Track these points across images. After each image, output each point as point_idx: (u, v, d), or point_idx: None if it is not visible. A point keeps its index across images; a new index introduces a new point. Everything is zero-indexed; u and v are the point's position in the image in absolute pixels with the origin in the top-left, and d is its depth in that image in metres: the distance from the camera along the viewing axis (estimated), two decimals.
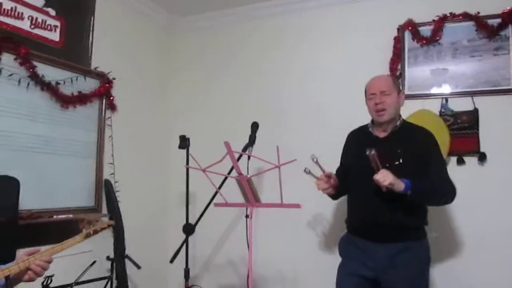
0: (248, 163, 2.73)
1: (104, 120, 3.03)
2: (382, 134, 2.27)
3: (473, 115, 2.79)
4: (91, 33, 2.97)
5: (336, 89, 3.16)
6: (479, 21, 2.82)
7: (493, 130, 2.75)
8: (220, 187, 2.65)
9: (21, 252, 1.68)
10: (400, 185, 1.99)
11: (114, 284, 2.83)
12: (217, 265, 3.52)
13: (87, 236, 1.82)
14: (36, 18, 2.58)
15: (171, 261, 2.82)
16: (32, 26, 2.55)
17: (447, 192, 2.17)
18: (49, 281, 2.20)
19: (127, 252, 2.91)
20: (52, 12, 2.68)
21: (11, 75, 2.41)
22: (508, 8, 2.75)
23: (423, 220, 2.23)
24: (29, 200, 2.44)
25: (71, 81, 2.77)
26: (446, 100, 2.89)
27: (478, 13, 2.83)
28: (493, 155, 2.75)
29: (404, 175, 2.03)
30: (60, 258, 1.78)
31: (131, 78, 3.34)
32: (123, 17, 3.31)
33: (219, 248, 3.53)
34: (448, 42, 2.92)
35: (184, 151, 2.97)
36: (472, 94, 2.82)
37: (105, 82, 3.01)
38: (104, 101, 3.03)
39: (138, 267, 2.87)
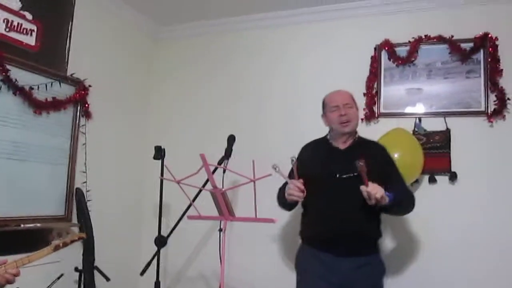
0: (223, 176, 2.72)
1: (78, 127, 2.96)
2: (342, 146, 2.33)
3: (446, 135, 2.86)
4: (68, 38, 2.93)
5: (314, 104, 3.17)
6: (453, 44, 2.91)
7: (465, 150, 2.82)
8: (194, 200, 2.63)
9: None
10: (386, 198, 2.06)
11: None
12: (188, 278, 3.47)
13: (56, 248, 1.76)
14: (12, 21, 2.52)
15: (142, 274, 2.76)
16: (7, 29, 2.50)
17: (413, 202, 2.29)
18: None
19: (96, 263, 2.84)
20: (29, 16, 2.63)
21: None
22: (481, 33, 2.85)
23: (380, 231, 2.31)
24: None
25: (46, 86, 2.71)
26: (420, 120, 2.95)
27: (452, 36, 2.92)
28: (464, 175, 2.81)
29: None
30: (26, 268, 1.71)
31: (109, 85, 3.29)
32: (103, 23, 3.27)
33: (191, 261, 3.49)
34: (423, 63, 3.00)
35: (160, 162, 2.94)
36: (445, 114, 2.89)
37: (81, 89, 2.96)
38: (79, 108, 2.97)
39: (108, 279, 2.80)
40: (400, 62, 3.03)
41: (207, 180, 2.28)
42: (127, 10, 3.46)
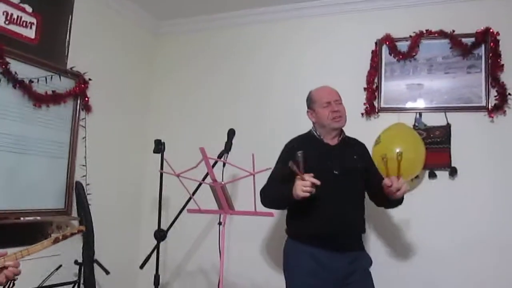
0: (223, 170, 2.72)
1: (77, 121, 2.96)
2: (332, 142, 2.34)
3: (446, 130, 2.85)
4: (68, 31, 2.92)
5: None
6: (454, 39, 2.90)
7: (465, 145, 2.82)
8: (194, 193, 2.63)
9: None
10: None
11: None
12: (188, 272, 3.48)
13: (56, 241, 1.77)
14: (12, 14, 2.52)
15: (141, 267, 2.77)
16: (7, 22, 2.49)
17: None
18: (11, 284, 2.12)
19: (96, 256, 2.84)
20: (29, 8, 2.62)
21: None
22: (482, 28, 2.83)
23: (365, 227, 2.39)
24: None
25: (46, 79, 2.71)
26: (420, 115, 2.94)
27: (453, 31, 2.91)
28: (464, 170, 2.81)
29: (361, 179, 2.30)
30: (26, 261, 1.72)
31: (109, 79, 3.29)
32: (103, 17, 3.26)
33: (191, 255, 3.49)
34: (423, 58, 2.99)
35: (160, 155, 2.93)
36: (446, 109, 2.89)
37: (81, 82, 2.95)
38: (78, 102, 2.97)
39: (107, 272, 2.80)
40: (401, 57, 3.02)
41: (207, 174, 2.28)
42: (128, 4, 3.45)
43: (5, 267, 1.59)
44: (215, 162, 2.55)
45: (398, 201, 2.26)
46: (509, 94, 2.75)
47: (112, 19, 3.36)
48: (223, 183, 2.21)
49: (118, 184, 3.42)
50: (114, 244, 3.28)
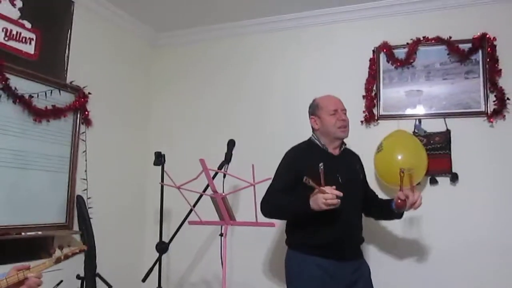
0: (223, 181, 2.72)
1: (78, 135, 2.97)
2: (335, 152, 2.34)
3: (446, 136, 2.86)
4: (67, 46, 2.94)
5: None
6: (451, 45, 2.91)
7: (465, 151, 2.82)
8: (195, 205, 2.62)
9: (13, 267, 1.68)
10: None
11: None
12: (191, 284, 3.46)
13: (58, 261, 1.78)
14: (11, 30, 2.53)
15: (143, 280, 2.75)
16: (6, 38, 2.51)
17: None
18: None
19: (98, 270, 2.83)
20: (28, 24, 2.64)
21: None
22: (479, 33, 2.85)
23: None
24: None
25: (45, 94, 2.72)
26: (420, 121, 2.95)
27: (450, 37, 2.92)
28: (465, 176, 2.81)
29: (361, 189, 2.36)
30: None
31: (108, 92, 3.30)
32: (102, 31, 3.28)
33: (193, 267, 3.48)
34: (421, 65, 3.00)
35: (160, 168, 2.93)
36: (445, 115, 2.89)
37: (80, 96, 2.96)
38: (78, 116, 2.98)
39: (110, 286, 2.78)
40: (398, 64, 3.03)
41: (208, 185, 2.28)
42: (126, 17, 3.47)
43: (26, 279, 1.63)
44: (216, 173, 2.55)
45: (399, 215, 2.27)
46: (508, 98, 2.76)
47: (110, 33, 3.38)
48: (223, 194, 2.22)
49: (119, 197, 3.41)
50: (116, 257, 3.26)
